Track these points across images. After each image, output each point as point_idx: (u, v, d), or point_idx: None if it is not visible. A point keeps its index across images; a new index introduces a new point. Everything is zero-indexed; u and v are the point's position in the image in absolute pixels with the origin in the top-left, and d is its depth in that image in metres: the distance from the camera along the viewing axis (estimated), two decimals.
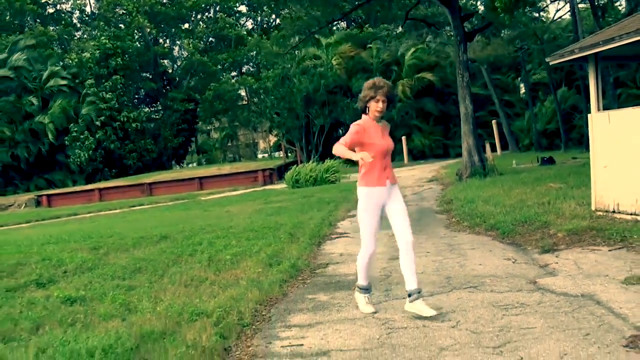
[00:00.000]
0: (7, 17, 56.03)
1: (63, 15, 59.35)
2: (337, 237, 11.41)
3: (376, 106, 5.68)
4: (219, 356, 4.94)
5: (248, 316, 5.98)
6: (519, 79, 41.43)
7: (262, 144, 70.61)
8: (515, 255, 8.43)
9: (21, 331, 5.70)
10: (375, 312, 5.89)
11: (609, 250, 8.02)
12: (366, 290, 6.07)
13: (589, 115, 11.05)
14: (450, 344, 4.91)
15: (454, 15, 20.05)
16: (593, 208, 10.81)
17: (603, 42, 9.84)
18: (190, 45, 51.64)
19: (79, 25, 60.85)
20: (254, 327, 5.79)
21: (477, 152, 20.23)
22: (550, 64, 11.82)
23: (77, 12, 60.48)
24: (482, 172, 19.51)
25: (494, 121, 35.10)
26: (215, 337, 5.21)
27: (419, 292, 5.68)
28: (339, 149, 5.57)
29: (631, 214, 9.75)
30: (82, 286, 7.51)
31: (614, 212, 10.23)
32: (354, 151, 5.64)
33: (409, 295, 5.70)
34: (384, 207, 5.83)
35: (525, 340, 4.84)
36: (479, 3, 33.97)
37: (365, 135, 5.67)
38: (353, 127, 5.70)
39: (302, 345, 5.20)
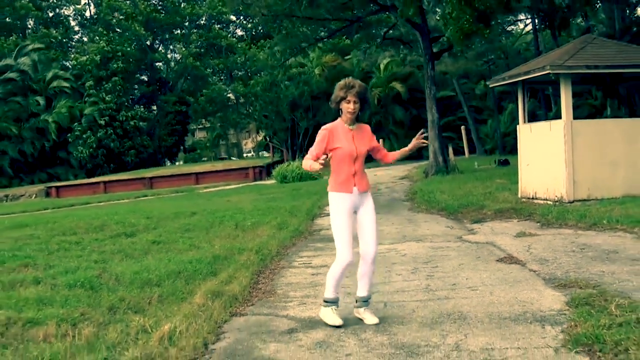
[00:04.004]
0: (7, 19, 58.91)
1: (62, 18, 62.35)
2: (325, 216, 14.86)
3: (347, 107, 5.42)
4: (262, 267, 8.38)
5: (274, 252, 9.44)
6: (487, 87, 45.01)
7: (249, 144, 74.44)
8: (453, 224, 11.97)
9: (137, 254, 9.18)
10: (341, 325, 5.48)
11: (517, 221, 11.61)
12: (333, 302, 5.60)
13: (517, 126, 14.64)
14: (398, 262, 8.37)
15: (423, 37, 23.63)
16: (519, 196, 14.40)
17: (524, 73, 13.45)
18: (185, 50, 54.99)
19: (77, 28, 64.08)
20: (278, 257, 9.25)
21: (442, 154, 23.85)
22: (490, 86, 15.42)
23: (75, 15, 63.43)
24: (444, 171, 23.14)
25: (462, 127, 38.80)
26: (258, 259, 8.65)
27: (365, 302, 5.65)
28: (305, 164, 5.42)
29: (543, 199, 13.31)
30: (157, 237, 11.03)
31: (533, 198, 13.81)
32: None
33: (356, 301, 5.71)
34: (355, 213, 5.59)
35: (441, 260, 8.33)
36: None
37: (332, 140, 5.47)
38: (319, 134, 5.53)
39: (311, 263, 8.69)
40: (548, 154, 13.18)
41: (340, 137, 5.46)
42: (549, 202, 13.01)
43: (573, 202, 12.37)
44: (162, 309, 6.22)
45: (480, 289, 6.51)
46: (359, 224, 5.58)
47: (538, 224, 11.01)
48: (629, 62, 12.56)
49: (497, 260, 8.01)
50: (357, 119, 5.60)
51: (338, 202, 5.50)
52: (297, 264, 8.69)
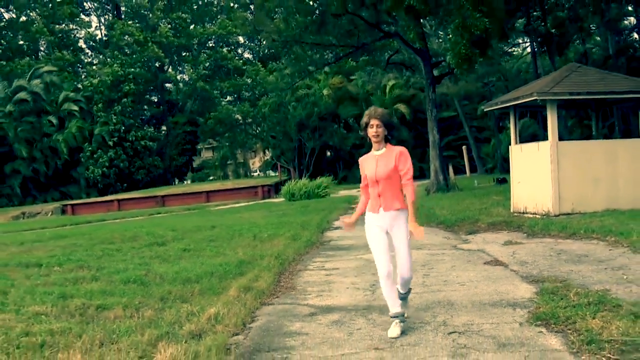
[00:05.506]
0: (20, 42, 60.86)
1: (72, 40, 64.22)
2: (334, 229, 16.24)
3: (370, 131, 5.80)
4: (282, 269, 9.71)
5: (291, 258, 10.76)
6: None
7: (256, 163, 76.21)
8: (450, 235, 13.28)
9: (172, 259, 10.52)
10: (397, 337, 5.67)
11: (507, 232, 12.91)
12: (395, 317, 5.83)
13: (509, 146, 15.98)
14: None
15: (425, 62, 25.07)
16: (512, 211, 15.70)
17: (514, 99, 14.82)
18: (193, 73, 56.75)
19: (87, 50, 66.08)
20: (295, 262, 10.58)
21: (442, 172, 25.21)
22: (485, 110, 16.78)
23: (87, 40, 65.30)
24: (445, 189, 24.49)
25: (464, 147, 40.19)
26: (278, 263, 9.98)
27: (402, 298, 6.11)
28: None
29: (532, 214, 14.61)
30: (186, 245, 12.38)
31: (523, 213, 15.11)
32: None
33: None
34: (388, 234, 5.87)
35: (437, 263, 9.64)
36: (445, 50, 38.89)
37: (362, 168, 6.01)
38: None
39: (324, 266, 10.02)
40: (537, 172, 14.50)
41: (366, 164, 5.94)
42: (537, 215, 14.30)
43: (559, 215, 13.67)
44: (204, 299, 7.54)
45: (467, 284, 7.82)
46: (393, 246, 5.88)
47: (525, 234, 12.32)
48: (608, 89, 13.95)
49: (484, 263, 9.31)
50: (388, 143, 5.92)
51: (367, 221, 5.95)
52: (311, 267, 10.01)
